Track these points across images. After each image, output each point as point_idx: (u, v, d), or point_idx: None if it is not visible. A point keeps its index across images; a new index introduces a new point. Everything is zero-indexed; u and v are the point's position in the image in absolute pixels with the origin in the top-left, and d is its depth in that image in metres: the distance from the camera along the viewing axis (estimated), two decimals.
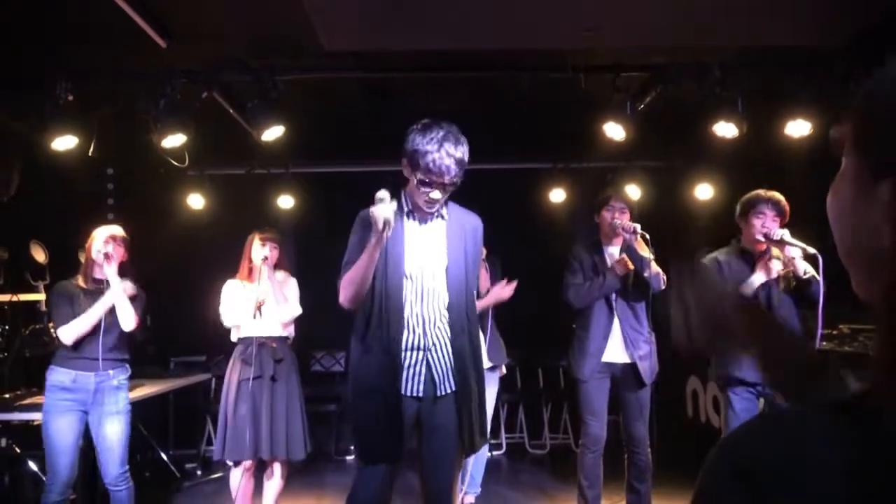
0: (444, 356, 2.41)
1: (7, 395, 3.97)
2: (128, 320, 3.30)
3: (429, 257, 2.43)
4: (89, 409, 3.32)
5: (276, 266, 3.72)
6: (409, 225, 2.47)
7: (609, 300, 3.53)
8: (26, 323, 4.19)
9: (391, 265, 2.37)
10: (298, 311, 3.71)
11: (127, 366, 3.46)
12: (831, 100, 3.59)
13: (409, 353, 2.39)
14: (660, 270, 3.47)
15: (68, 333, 3.24)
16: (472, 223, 2.56)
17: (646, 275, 3.40)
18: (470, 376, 2.43)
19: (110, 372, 3.33)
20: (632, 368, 3.50)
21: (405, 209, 2.47)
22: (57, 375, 3.29)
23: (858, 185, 0.57)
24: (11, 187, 4.18)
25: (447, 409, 2.40)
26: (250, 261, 3.69)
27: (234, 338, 3.70)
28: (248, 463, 3.59)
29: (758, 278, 3.16)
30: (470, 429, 2.43)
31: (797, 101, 3.75)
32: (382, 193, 2.26)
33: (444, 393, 2.41)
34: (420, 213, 2.46)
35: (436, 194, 2.35)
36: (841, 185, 0.60)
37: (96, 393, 3.30)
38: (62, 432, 3.24)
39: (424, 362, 2.40)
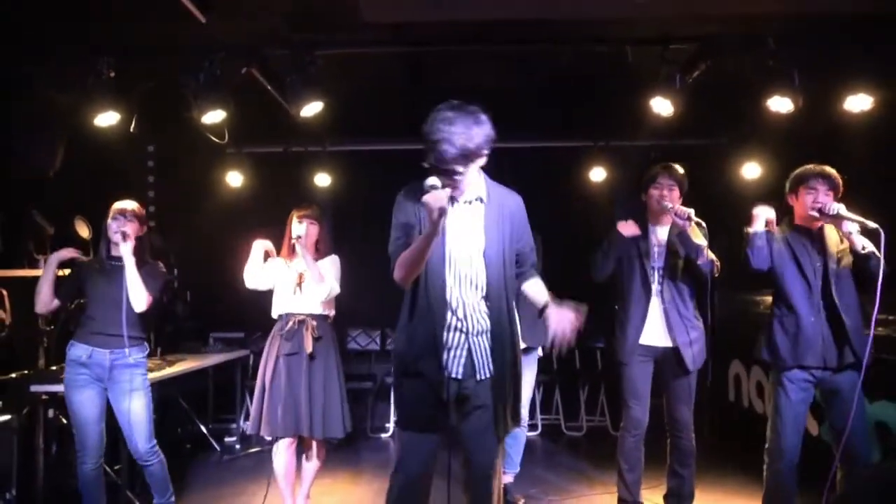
0: (483, 341, 2.39)
1: (53, 368, 4.06)
2: (138, 301, 3.26)
3: (467, 242, 2.40)
4: (107, 386, 3.34)
5: (316, 244, 3.69)
6: (449, 209, 2.40)
7: (648, 282, 3.42)
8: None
9: (433, 249, 2.33)
10: (336, 289, 3.63)
11: (144, 344, 3.44)
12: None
13: (450, 336, 2.37)
14: (714, 258, 3.34)
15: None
16: (511, 203, 2.50)
17: (699, 262, 3.28)
18: (507, 362, 2.42)
19: (126, 350, 3.31)
20: (674, 353, 3.39)
21: None
22: (75, 350, 3.33)
23: None
24: (56, 162, 4.23)
25: (486, 393, 2.39)
26: (289, 238, 3.68)
27: (274, 314, 3.69)
28: (289, 440, 3.59)
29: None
30: (504, 414, 2.42)
31: (858, 74, 3.55)
32: (432, 181, 2.20)
33: (483, 377, 2.39)
34: (458, 195, 2.40)
35: (448, 178, 2.27)
36: None
37: (112, 370, 3.31)
38: (83, 405, 3.30)
39: (466, 346, 2.38)
